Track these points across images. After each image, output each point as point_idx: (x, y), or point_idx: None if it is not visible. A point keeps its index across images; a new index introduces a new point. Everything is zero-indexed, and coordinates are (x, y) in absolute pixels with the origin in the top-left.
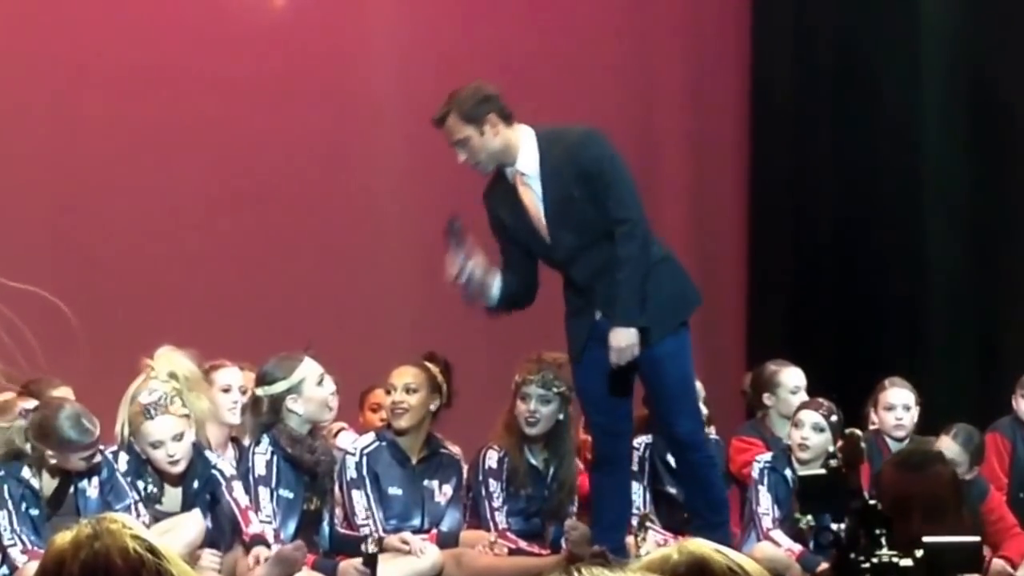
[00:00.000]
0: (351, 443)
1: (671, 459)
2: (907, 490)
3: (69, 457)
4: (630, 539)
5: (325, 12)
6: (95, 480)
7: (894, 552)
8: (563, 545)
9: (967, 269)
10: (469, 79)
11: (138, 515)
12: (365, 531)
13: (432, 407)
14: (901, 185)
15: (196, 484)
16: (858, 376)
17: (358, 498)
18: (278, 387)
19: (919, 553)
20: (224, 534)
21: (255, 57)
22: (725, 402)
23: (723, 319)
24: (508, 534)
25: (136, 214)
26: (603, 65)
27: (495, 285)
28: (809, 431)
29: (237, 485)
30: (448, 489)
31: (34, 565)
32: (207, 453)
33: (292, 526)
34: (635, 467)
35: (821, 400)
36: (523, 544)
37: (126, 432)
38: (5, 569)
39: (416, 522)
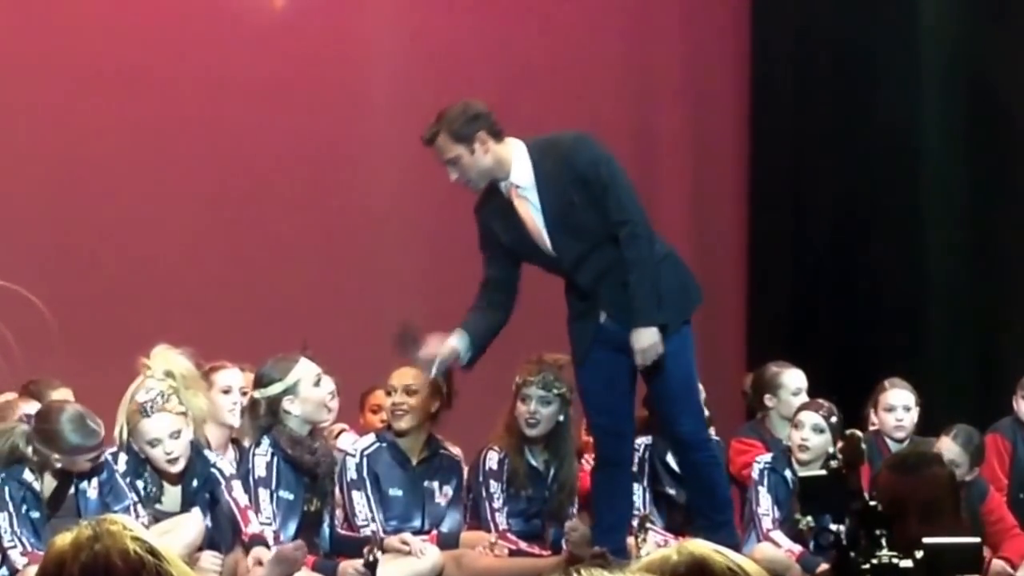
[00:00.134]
0: (351, 444)
1: (671, 460)
2: (903, 492)
3: (76, 460)
4: (631, 540)
5: (325, 13)
6: (95, 481)
7: (894, 553)
8: (563, 546)
9: (967, 269)
10: (468, 79)
11: (137, 516)
12: (366, 532)
13: (432, 408)
14: (901, 186)
15: (195, 483)
16: (858, 377)
17: (358, 499)
18: (274, 389)
19: (919, 554)
20: (224, 534)
21: (255, 58)
22: (725, 403)
23: (723, 320)
24: (508, 535)
25: (135, 214)
26: (603, 65)
27: (464, 349)
28: (809, 432)
29: (236, 484)
30: (448, 490)
31: (34, 568)
32: (206, 452)
33: (292, 527)
34: (635, 468)
35: (821, 401)
36: (523, 545)
37: (125, 433)
38: (5, 571)
39: (416, 523)
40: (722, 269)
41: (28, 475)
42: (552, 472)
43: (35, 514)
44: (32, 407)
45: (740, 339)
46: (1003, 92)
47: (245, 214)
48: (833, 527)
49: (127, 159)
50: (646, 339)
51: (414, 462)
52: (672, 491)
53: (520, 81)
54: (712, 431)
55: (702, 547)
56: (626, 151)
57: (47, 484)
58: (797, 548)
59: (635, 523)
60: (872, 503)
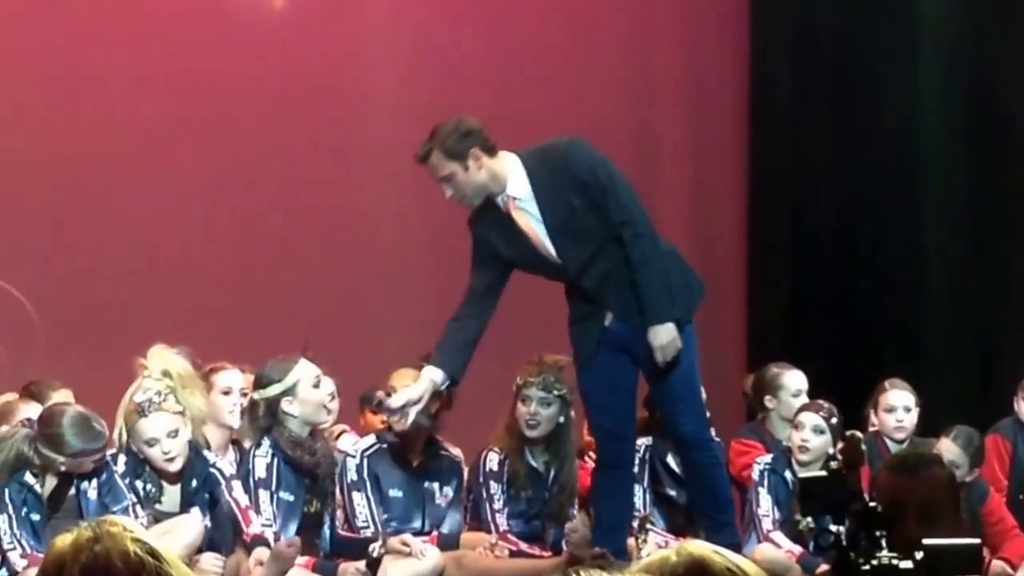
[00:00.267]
0: (352, 445)
1: (672, 461)
2: (901, 493)
3: (81, 463)
4: (631, 541)
5: (325, 14)
6: (95, 481)
7: (894, 554)
8: (564, 547)
9: (967, 270)
10: (469, 79)
11: (136, 516)
12: (366, 533)
13: (432, 409)
14: (901, 186)
15: (194, 483)
16: (858, 378)
17: (359, 500)
18: (273, 390)
19: (919, 555)
20: (224, 535)
21: (255, 58)
22: (725, 405)
23: (723, 321)
24: (509, 536)
25: (134, 215)
26: (603, 65)
27: (440, 380)
28: (809, 433)
29: (236, 485)
30: (449, 491)
31: (34, 570)
32: (205, 452)
33: (293, 529)
34: (636, 469)
35: (821, 402)
36: (524, 546)
37: (124, 435)
38: (5, 573)
39: (417, 524)
40: (722, 269)
41: (29, 477)
42: (552, 473)
43: (36, 516)
44: (32, 409)
45: (740, 340)
46: (1003, 90)
47: (246, 214)
48: (833, 528)
49: (127, 159)
50: (664, 335)
51: (414, 463)
52: (672, 492)
53: (520, 81)
54: (712, 431)
55: (702, 548)
56: (626, 151)
57: (47, 485)
58: (797, 549)
59: (635, 524)
60: (872, 504)
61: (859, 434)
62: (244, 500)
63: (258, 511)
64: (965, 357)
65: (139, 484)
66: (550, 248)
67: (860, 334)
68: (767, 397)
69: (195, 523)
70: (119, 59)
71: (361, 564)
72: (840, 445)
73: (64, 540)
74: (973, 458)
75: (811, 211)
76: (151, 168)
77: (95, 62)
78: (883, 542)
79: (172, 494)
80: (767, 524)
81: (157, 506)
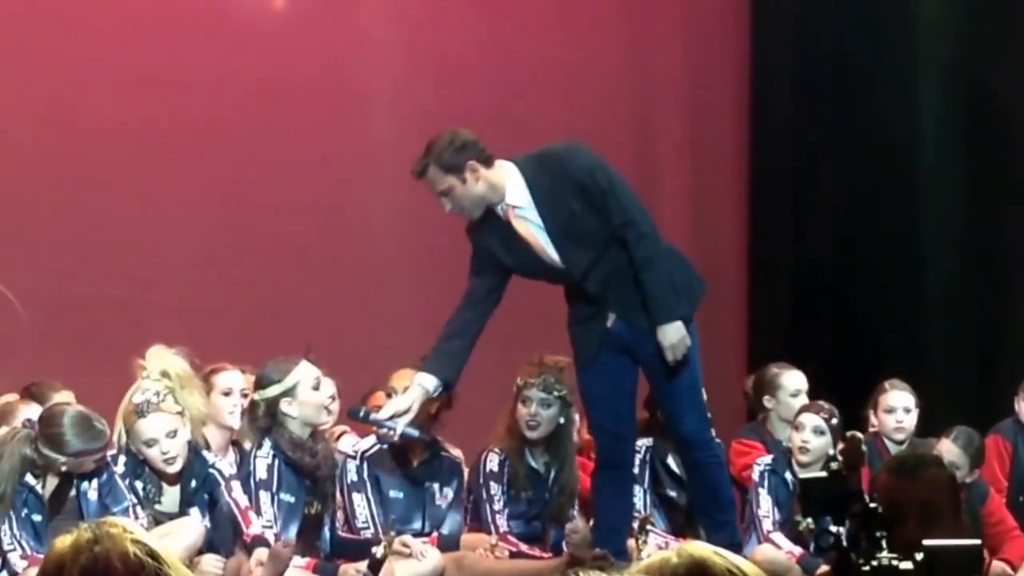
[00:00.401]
0: (352, 446)
1: (672, 462)
2: (901, 495)
3: (82, 463)
4: (631, 542)
5: (324, 15)
6: (95, 482)
7: (894, 555)
8: (564, 548)
9: (967, 270)
10: (469, 80)
11: (136, 517)
12: (366, 535)
13: (432, 410)
14: (901, 186)
15: (194, 483)
16: (858, 378)
17: (359, 501)
18: (272, 390)
19: (919, 556)
20: (224, 536)
21: (254, 59)
22: (726, 405)
23: (724, 321)
24: (509, 537)
25: (134, 215)
26: (603, 66)
27: (433, 387)
28: (810, 434)
29: (236, 485)
30: (449, 492)
31: (34, 570)
32: (205, 453)
33: (293, 530)
34: (636, 470)
35: (822, 403)
36: (524, 547)
37: (123, 437)
38: (5, 574)
39: (417, 525)
40: (723, 270)
41: (30, 478)
42: (552, 474)
43: (37, 517)
44: (33, 410)
45: (741, 340)
46: (1001, 91)
47: (246, 215)
48: (833, 529)
49: (127, 160)
50: (673, 334)
51: (415, 464)
52: (673, 493)
53: (520, 82)
54: (713, 431)
55: (702, 549)
56: (627, 152)
57: (48, 486)
58: (797, 550)
59: (636, 525)
60: (872, 505)
61: (860, 435)
62: (244, 501)
63: (259, 512)
64: (965, 357)
65: (138, 485)
66: (552, 254)
67: (860, 334)
68: (766, 397)
69: (196, 525)
70: (118, 60)
71: (362, 565)
72: (840, 446)
73: (64, 541)
74: (973, 459)
75: (811, 211)
76: (151, 169)
77: (94, 63)
78: (883, 543)
79: (171, 495)
80: (767, 525)
81: (156, 507)
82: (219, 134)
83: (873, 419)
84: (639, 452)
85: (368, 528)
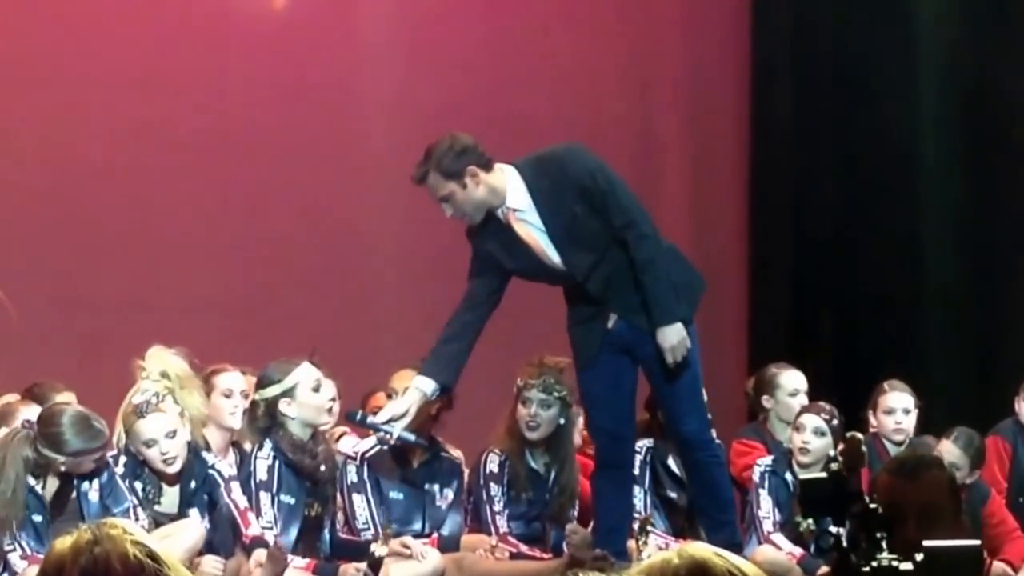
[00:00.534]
0: (352, 447)
1: (673, 463)
2: (901, 497)
3: (81, 463)
4: (631, 543)
5: (324, 17)
6: (95, 483)
7: (894, 556)
8: (564, 549)
9: (967, 271)
10: (469, 81)
11: (137, 519)
12: (366, 536)
13: (432, 411)
14: (901, 187)
15: (193, 484)
16: (859, 379)
17: (359, 503)
18: (272, 391)
19: (919, 557)
20: (224, 537)
21: (254, 61)
22: (726, 406)
23: (724, 322)
24: (509, 538)
25: (134, 217)
26: (604, 65)
27: (431, 390)
28: (810, 435)
29: (236, 487)
30: (449, 493)
31: (34, 570)
32: (204, 454)
33: (293, 532)
34: (636, 471)
35: (823, 404)
36: (524, 548)
37: (123, 438)
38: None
39: (417, 526)
40: (723, 270)
41: (30, 479)
42: (553, 475)
43: (37, 517)
44: (33, 411)
45: (742, 341)
46: (1000, 92)
47: (247, 216)
48: (833, 530)
49: (129, 162)
50: (673, 336)
51: (415, 465)
52: (673, 494)
53: (520, 82)
54: (713, 432)
55: (703, 550)
56: (627, 152)
57: (49, 487)
58: (798, 551)
59: (636, 526)
60: (872, 506)
61: (860, 436)
62: (243, 502)
63: (259, 513)
64: (965, 357)
65: (137, 485)
66: (553, 256)
67: (860, 334)
68: (765, 397)
69: (196, 526)
70: (117, 61)
71: (362, 565)
72: (841, 447)
73: (64, 542)
74: (974, 460)
75: (811, 212)
76: (151, 170)
77: (94, 65)
78: (883, 544)
79: (171, 495)
80: (768, 526)
81: (156, 507)
82: (219, 135)
83: (872, 420)
84: (640, 453)
85: (368, 529)
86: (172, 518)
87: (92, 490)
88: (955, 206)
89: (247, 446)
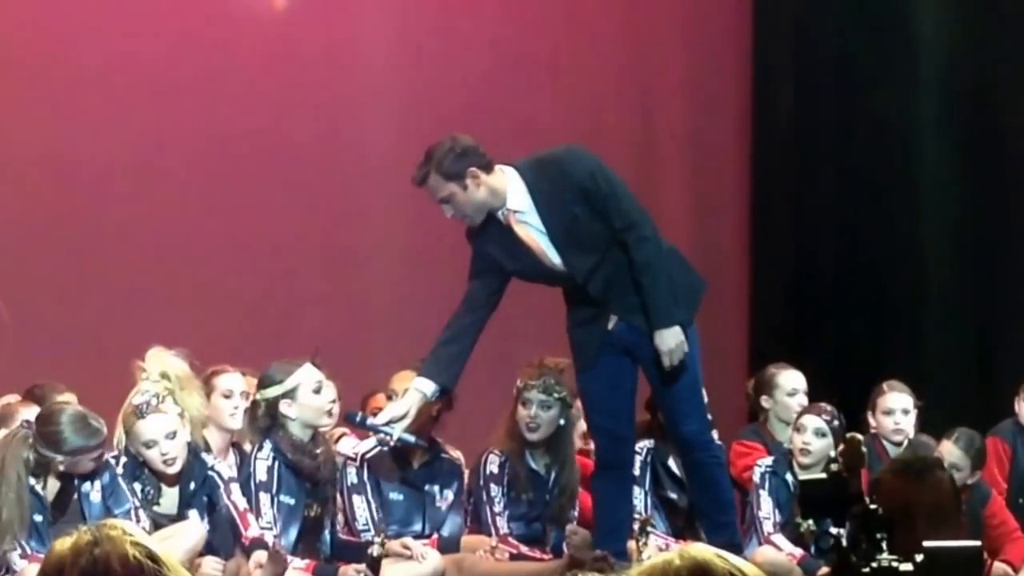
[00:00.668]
0: (352, 448)
1: (673, 464)
2: (910, 498)
3: (79, 461)
4: (631, 544)
5: (324, 18)
6: (97, 484)
7: (894, 556)
8: (564, 550)
9: (967, 271)
10: (468, 83)
11: (138, 520)
12: (366, 537)
13: (433, 412)
14: (901, 187)
15: (193, 485)
16: (859, 379)
17: (359, 504)
18: (273, 391)
19: (919, 557)
20: (224, 538)
21: (254, 62)
22: (727, 407)
23: (725, 323)
24: (509, 539)
25: (133, 218)
26: (604, 66)
27: (431, 392)
28: (811, 436)
29: (235, 488)
30: (449, 494)
31: (33, 568)
32: (204, 455)
33: (293, 533)
34: (637, 472)
35: (823, 405)
36: (524, 549)
37: (123, 439)
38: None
39: (417, 527)
40: (724, 271)
41: (31, 479)
42: (553, 476)
43: (38, 517)
44: (33, 412)
45: (742, 341)
46: (1000, 92)
47: (247, 217)
48: (834, 530)
49: (126, 161)
50: (671, 339)
51: (415, 466)
52: (674, 495)
53: (521, 83)
54: (714, 434)
55: (704, 551)
56: (628, 152)
57: (51, 488)
58: (798, 551)
59: (636, 527)
60: (873, 506)
61: (860, 436)
62: (242, 503)
63: (259, 514)
64: (965, 357)
65: (137, 486)
66: (554, 258)
67: (861, 335)
68: (763, 397)
69: (197, 528)
70: (116, 62)
71: (362, 567)
72: (841, 447)
73: (63, 543)
74: (974, 460)
75: (812, 211)
76: (151, 171)
77: (94, 66)
78: (883, 544)
79: (170, 496)
80: (768, 527)
81: (155, 508)
82: (221, 137)
83: (871, 421)
84: (640, 454)
85: (368, 530)
86: (171, 519)
87: (94, 491)
88: (955, 206)
89: (247, 447)
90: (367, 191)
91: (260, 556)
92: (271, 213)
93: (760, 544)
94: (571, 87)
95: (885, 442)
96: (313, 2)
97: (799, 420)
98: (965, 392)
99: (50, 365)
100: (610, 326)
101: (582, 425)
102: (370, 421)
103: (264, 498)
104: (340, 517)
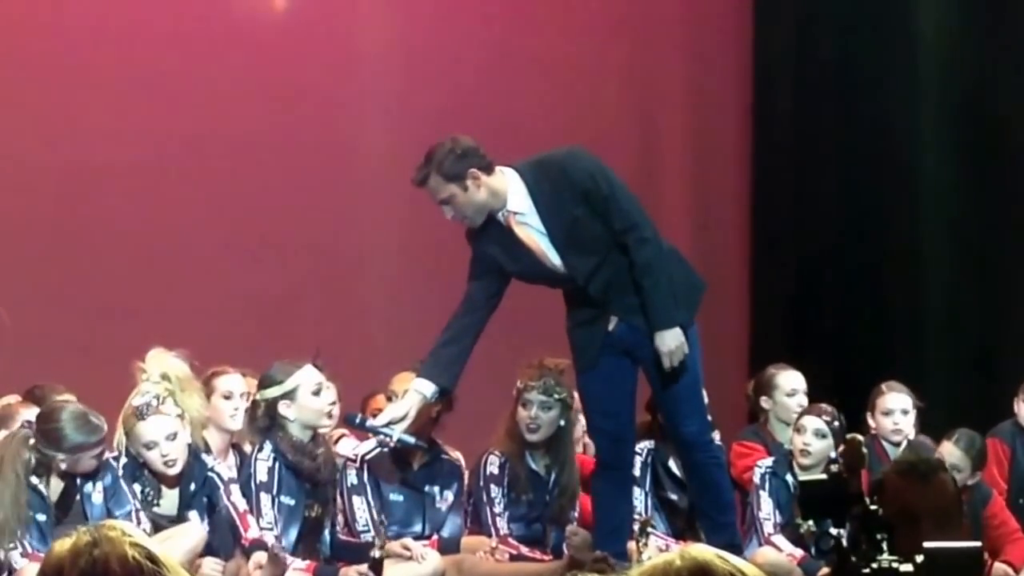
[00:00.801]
0: (352, 449)
1: (673, 465)
2: (915, 500)
3: (79, 459)
4: (632, 544)
5: (324, 19)
6: (99, 485)
7: (894, 557)
8: (564, 550)
9: (967, 272)
10: (468, 84)
11: (139, 522)
12: (366, 538)
13: (433, 413)
14: (901, 188)
15: (193, 486)
16: (860, 379)
17: (359, 505)
18: (272, 391)
19: (919, 558)
20: (224, 539)
21: (254, 63)
22: (727, 407)
23: (726, 323)
24: (509, 540)
25: (133, 219)
26: (605, 67)
27: (431, 393)
28: (811, 437)
29: (235, 489)
30: (449, 495)
31: (33, 567)
32: (204, 456)
33: (293, 533)
34: (637, 472)
35: (824, 406)
36: (524, 550)
37: (123, 440)
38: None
39: (417, 528)
40: (725, 271)
41: (33, 478)
42: (553, 476)
43: (41, 517)
44: (33, 413)
45: (743, 342)
46: (1000, 93)
47: (247, 219)
48: (834, 531)
49: (129, 164)
50: (672, 340)
51: (415, 467)
52: (674, 496)
53: (520, 83)
54: (716, 435)
55: (705, 552)
56: (629, 153)
57: (54, 488)
58: (798, 552)
59: (637, 528)
60: (873, 507)
61: (860, 437)
62: (242, 504)
63: (259, 515)
64: (965, 358)
65: (137, 487)
66: (554, 259)
67: (861, 335)
68: (763, 397)
69: (197, 529)
70: (116, 63)
71: (362, 567)
72: (841, 448)
73: (63, 544)
74: (975, 461)
75: (812, 212)
76: (152, 172)
77: (94, 68)
78: (883, 545)
79: (170, 497)
80: (768, 527)
81: (155, 509)
82: (219, 139)
83: (871, 421)
84: (640, 455)
85: (368, 532)
86: (171, 520)
87: (96, 492)
88: (956, 206)
89: (247, 448)
90: (367, 192)
91: (260, 557)
92: (271, 214)
93: (760, 545)
94: (571, 87)
95: (885, 443)
96: (312, 3)
97: (799, 421)
98: (965, 392)
99: (50, 366)
100: (610, 327)
101: (582, 425)
102: (370, 423)
103: (265, 499)
104: (340, 518)
